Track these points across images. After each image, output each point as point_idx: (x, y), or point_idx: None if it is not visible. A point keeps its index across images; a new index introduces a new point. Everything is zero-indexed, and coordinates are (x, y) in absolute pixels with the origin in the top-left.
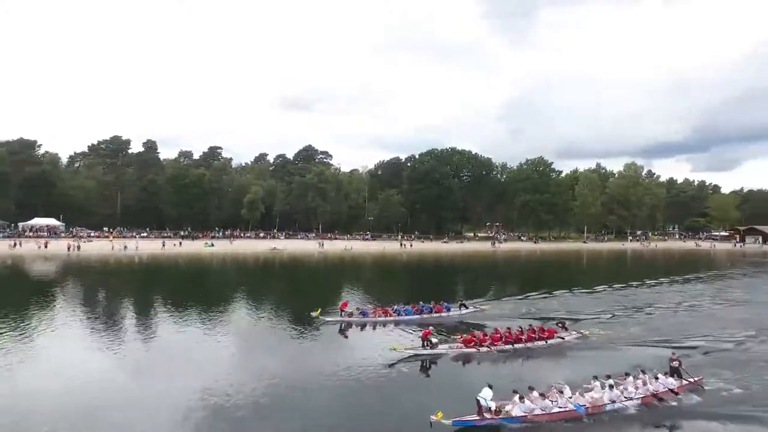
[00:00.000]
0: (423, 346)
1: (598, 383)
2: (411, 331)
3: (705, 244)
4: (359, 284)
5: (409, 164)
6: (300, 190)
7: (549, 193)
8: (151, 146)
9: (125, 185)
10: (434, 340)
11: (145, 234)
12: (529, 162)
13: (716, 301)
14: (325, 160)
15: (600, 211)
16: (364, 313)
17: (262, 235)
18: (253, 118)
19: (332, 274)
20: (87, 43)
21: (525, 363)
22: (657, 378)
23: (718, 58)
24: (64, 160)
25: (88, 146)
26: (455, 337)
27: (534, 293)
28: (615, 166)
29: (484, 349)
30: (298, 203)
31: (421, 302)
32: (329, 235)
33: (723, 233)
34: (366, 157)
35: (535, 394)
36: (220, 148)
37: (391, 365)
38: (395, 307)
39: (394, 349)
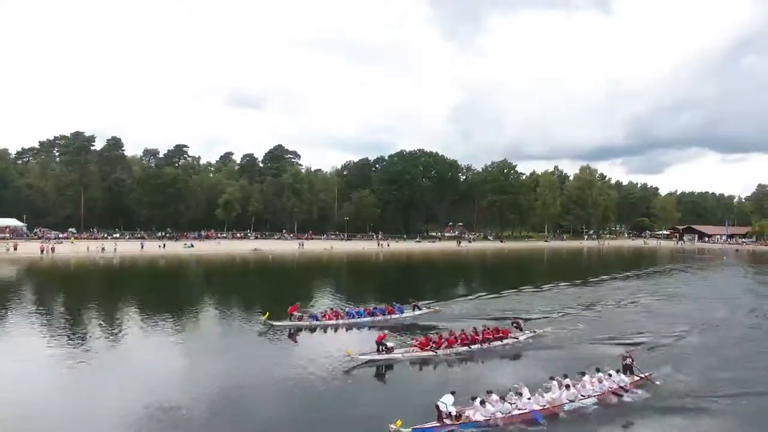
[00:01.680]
0: (378, 350)
1: (555, 383)
2: (364, 335)
3: (652, 242)
4: (351, 282)
5: (377, 165)
6: (275, 190)
7: (513, 194)
8: (116, 143)
9: (88, 184)
10: (389, 345)
11: (117, 235)
12: (494, 164)
13: (661, 296)
14: (293, 160)
15: (559, 211)
16: (314, 317)
17: (238, 235)
18: (199, 115)
19: (322, 273)
20: (27, 36)
21: (482, 365)
22: (611, 375)
23: (651, 68)
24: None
25: (40, 142)
26: (410, 341)
27: (488, 293)
28: (563, 168)
29: (441, 352)
30: (274, 203)
31: (373, 305)
32: (305, 235)
33: (665, 232)
34: (317, 156)
35: (495, 397)
36: (186, 146)
37: (347, 371)
38: (347, 309)
39: (349, 355)
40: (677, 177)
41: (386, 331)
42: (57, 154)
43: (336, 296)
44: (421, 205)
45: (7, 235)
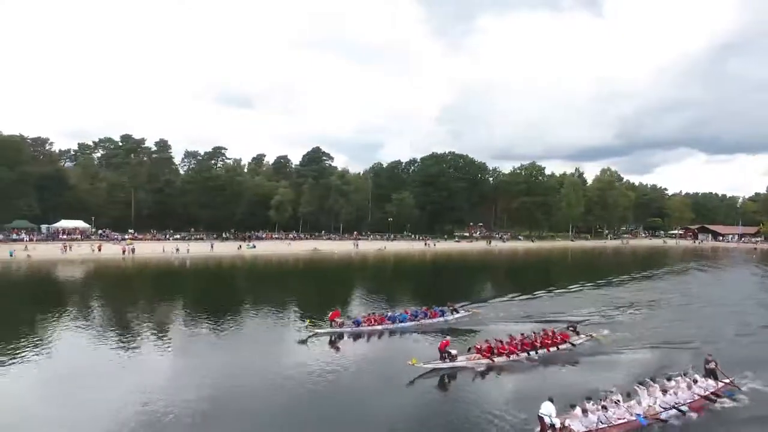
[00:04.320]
0: (441, 358)
1: (644, 389)
2: (412, 340)
3: (670, 242)
4: (420, 281)
5: (412, 167)
6: (322, 191)
7: (543, 195)
8: (164, 145)
9: (138, 186)
10: (453, 352)
11: (177, 236)
12: (523, 167)
13: (706, 297)
14: (328, 162)
15: (582, 211)
16: (356, 322)
17: (291, 236)
18: (188, 114)
19: (394, 271)
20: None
21: (551, 371)
22: (696, 381)
23: (640, 69)
24: None
25: (79, 144)
26: (471, 347)
27: (529, 294)
28: (549, 168)
29: (502, 358)
30: (321, 204)
31: (413, 307)
32: (354, 235)
33: (679, 232)
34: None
35: (593, 405)
36: (225, 148)
37: (411, 381)
38: (388, 313)
39: (413, 363)
40: (662, 177)
41: (449, 338)
42: (98, 156)
43: (414, 294)
44: (453, 206)
45: (78, 236)
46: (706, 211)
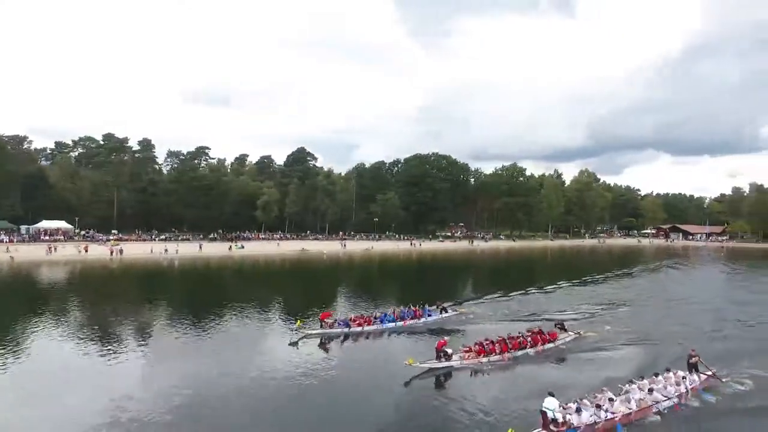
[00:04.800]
0: (437, 358)
1: (636, 386)
2: (401, 340)
3: (644, 241)
4: (408, 281)
5: (396, 168)
6: (308, 191)
7: (524, 196)
8: (147, 145)
9: (121, 185)
10: (449, 351)
11: (163, 237)
12: (504, 168)
13: (682, 295)
14: (312, 163)
15: (562, 211)
16: (345, 324)
17: (278, 236)
18: (161, 112)
19: (383, 271)
20: None
21: (543, 369)
22: (685, 377)
23: (611, 72)
24: None
25: (56, 143)
26: (464, 346)
27: (514, 292)
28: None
29: (495, 357)
30: (307, 204)
31: (401, 307)
32: (340, 235)
33: (652, 231)
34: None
35: (588, 402)
36: (208, 148)
37: (407, 382)
38: (376, 314)
39: (410, 364)
40: (631, 178)
41: (446, 338)
42: (75, 155)
43: (402, 294)
44: (437, 206)
45: (61, 237)
46: (677, 212)
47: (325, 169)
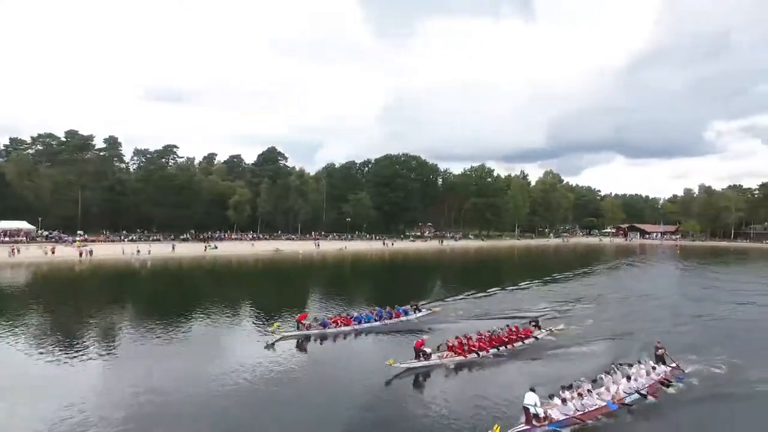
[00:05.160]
0: (416, 357)
1: (610, 378)
2: (384, 341)
3: (605, 240)
4: (383, 280)
5: (367, 168)
6: (281, 191)
7: (492, 196)
8: (113, 142)
9: (86, 184)
10: (428, 350)
11: (132, 237)
12: (473, 169)
13: (644, 291)
14: (283, 162)
15: (528, 212)
16: (324, 324)
17: (250, 236)
18: (118, 109)
19: (356, 271)
20: None
21: (520, 365)
22: (655, 368)
23: (568, 76)
24: None
25: (11, 139)
26: (441, 345)
27: (485, 290)
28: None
29: (472, 355)
30: (279, 204)
31: (377, 307)
32: (313, 235)
33: (611, 230)
34: (246, 153)
35: (569, 395)
36: (176, 146)
37: (388, 382)
38: (355, 314)
39: (390, 364)
40: (588, 179)
41: (425, 337)
42: (32, 152)
43: (378, 293)
44: (409, 207)
45: (23, 238)
46: (635, 212)
47: (297, 169)
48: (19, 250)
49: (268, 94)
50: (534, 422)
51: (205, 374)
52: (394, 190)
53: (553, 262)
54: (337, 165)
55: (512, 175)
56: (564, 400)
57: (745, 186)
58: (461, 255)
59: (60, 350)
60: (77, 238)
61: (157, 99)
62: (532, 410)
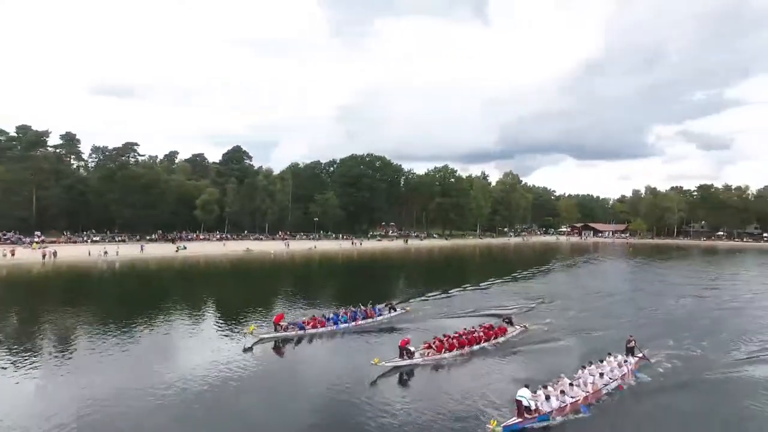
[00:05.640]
0: (401, 356)
1: (587, 371)
2: (356, 340)
3: (562, 238)
4: (354, 280)
5: (332, 168)
6: (248, 191)
7: (455, 196)
8: (71, 139)
9: (42, 183)
10: (412, 349)
11: (96, 238)
12: (437, 169)
13: (604, 288)
14: (248, 162)
15: (489, 211)
16: (300, 326)
17: (217, 236)
18: (65, 104)
19: (328, 271)
20: None
21: (499, 361)
22: (624, 359)
23: (519, 79)
24: None
25: None
26: (423, 343)
27: (457, 289)
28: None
29: (453, 353)
30: (247, 204)
31: (351, 308)
32: (279, 234)
33: (566, 229)
34: (197, 151)
35: (552, 389)
36: (137, 144)
37: (374, 381)
38: (329, 315)
39: (375, 363)
40: (540, 179)
41: (409, 336)
42: None
43: (351, 293)
44: (374, 207)
45: None
46: (587, 211)
47: (264, 168)
48: None
49: (222, 91)
50: (525, 414)
51: (181, 380)
52: (360, 190)
53: (517, 261)
54: (301, 164)
55: (473, 175)
56: (549, 395)
57: (685, 188)
58: (428, 254)
59: (21, 358)
60: (35, 240)
61: (106, 93)
62: (524, 403)
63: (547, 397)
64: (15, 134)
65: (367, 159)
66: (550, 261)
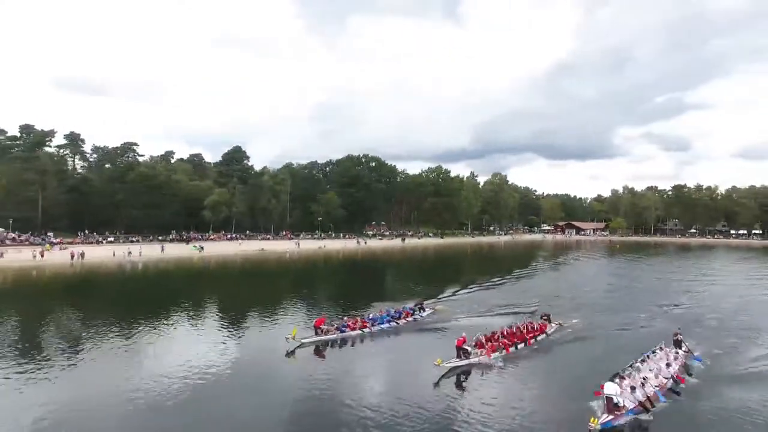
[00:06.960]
0: (458, 356)
1: (646, 364)
2: (399, 341)
3: (548, 236)
4: (374, 279)
5: (328, 168)
6: (255, 191)
7: (448, 196)
8: (74, 139)
9: (47, 183)
10: (468, 349)
11: (111, 239)
12: (430, 170)
13: (615, 285)
14: (247, 162)
15: (479, 210)
16: (341, 329)
17: (227, 237)
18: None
19: (344, 270)
20: None
21: (552, 359)
22: (678, 352)
23: (491, 80)
24: None
25: None
26: (474, 343)
27: (475, 286)
28: (415, 168)
29: (505, 351)
30: (254, 204)
31: (392, 308)
32: (284, 234)
33: (550, 227)
34: (169, 149)
35: (629, 382)
36: (136, 144)
37: (437, 383)
38: (370, 316)
39: (438, 364)
40: (513, 179)
41: (464, 334)
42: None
43: (379, 292)
44: (371, 206)
45: None
46: (568, 210)
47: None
48: (1, 255)
49: (192, 89)
50: (615, 411)
51: (231, 390)
52: (359, 189)
53: (514, 258)
54: (295, 164)
55: (463, 176)
56: (633, 388)
57: (660, 188)
58: (428, 253)
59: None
60: (51, 240)
61: (72, 90)
62: (614, 399)
63: (632, 389)
64: (17, 134)
65: (363, 159)
66: (548, 258)
